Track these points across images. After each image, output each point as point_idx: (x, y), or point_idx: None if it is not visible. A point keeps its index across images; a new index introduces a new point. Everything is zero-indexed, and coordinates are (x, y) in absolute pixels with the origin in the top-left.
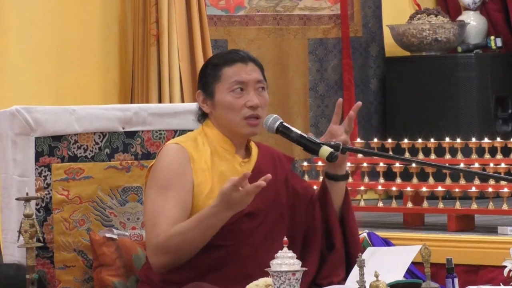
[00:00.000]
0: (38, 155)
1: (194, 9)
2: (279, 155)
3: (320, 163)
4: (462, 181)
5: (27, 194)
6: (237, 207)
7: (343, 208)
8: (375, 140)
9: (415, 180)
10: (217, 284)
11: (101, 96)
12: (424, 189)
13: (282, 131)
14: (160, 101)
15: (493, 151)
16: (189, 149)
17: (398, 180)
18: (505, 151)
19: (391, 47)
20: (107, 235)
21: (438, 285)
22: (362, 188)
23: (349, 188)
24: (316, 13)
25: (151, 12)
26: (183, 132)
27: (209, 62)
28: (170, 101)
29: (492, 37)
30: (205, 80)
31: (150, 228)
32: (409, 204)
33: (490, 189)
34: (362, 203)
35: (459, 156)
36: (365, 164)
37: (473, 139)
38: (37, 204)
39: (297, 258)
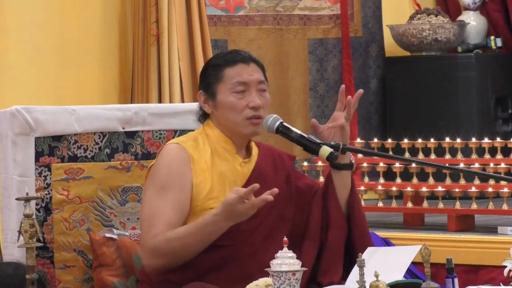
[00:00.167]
0: (38, 155)
1: (194, 9)
2: (281, 154)
3: (320, 163)
4: (462, 181)
5: (27, 194)
6: (240, 218)
7: (350, 200)
8: (375, 140)
9: (415, 180)
10: (217, 284)
11: (101, 96)
12: (424, 189)
13: (282, 131)
14: (160, 101)
15: (493, 151)
16: (189, 149)
17: (398, 180)
18: (505, 151)
19: (391, 47)
20: (107, 235)
21: (438, 285)
22: (362, 188)
23: None
24: (316, 13)
25: (151, 12)
26: (183, 132)
27: (210, 62)
28: (170, 101)
29: (492, 37)
30: (207, 81)
31: (146, 229)
32: (409, 204)
33: (490, 189)
34: (362, 203)
35: (459, 156)
36: (365, 164)
37: (473, 139)
38: (37, 204)
39: (297, 257)
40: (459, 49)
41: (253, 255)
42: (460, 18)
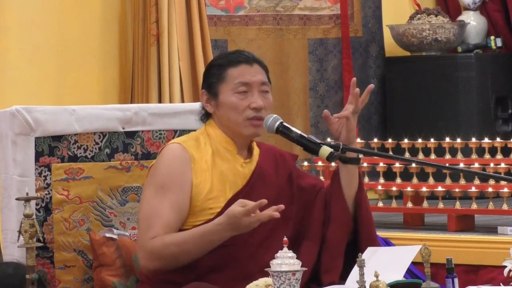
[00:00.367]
0: (38, 155)
1: (194, 9)
2: (282, 153)
3: (320, 163)
4: (462, 181)
5: (27, 194)
6: (243, 230)
7: (357, 198)
8: (375, 140)
9: (415, 180)
10: (217, 284)
11: (101, 96)
12: (424, 189)
13: (282, 131)
14: (160, 101)
15: (493, 151)
16: (190, 149)
17: (398, 180)
18: (505, 151)
19: (391, 47)
20: (107, 235)
21: (438, 285)
22: None
23: None
24: (316, 13)
25: (151, 12)
26: (183, 132)
27: (213, 62)
28: (170, 101)
29: (492, 37)
30: (210, 80)
31: (144, 229)
32: (409, 204)
33: (490, 189)
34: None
35: (459, 156)
36: (365, 164)
37: (473, 139)
38: (37, 204)
39: (298, 257)
40: (459, 49)
41: (253, 255)
42: (460, 18)
